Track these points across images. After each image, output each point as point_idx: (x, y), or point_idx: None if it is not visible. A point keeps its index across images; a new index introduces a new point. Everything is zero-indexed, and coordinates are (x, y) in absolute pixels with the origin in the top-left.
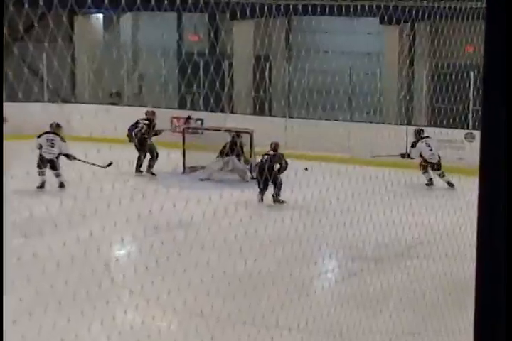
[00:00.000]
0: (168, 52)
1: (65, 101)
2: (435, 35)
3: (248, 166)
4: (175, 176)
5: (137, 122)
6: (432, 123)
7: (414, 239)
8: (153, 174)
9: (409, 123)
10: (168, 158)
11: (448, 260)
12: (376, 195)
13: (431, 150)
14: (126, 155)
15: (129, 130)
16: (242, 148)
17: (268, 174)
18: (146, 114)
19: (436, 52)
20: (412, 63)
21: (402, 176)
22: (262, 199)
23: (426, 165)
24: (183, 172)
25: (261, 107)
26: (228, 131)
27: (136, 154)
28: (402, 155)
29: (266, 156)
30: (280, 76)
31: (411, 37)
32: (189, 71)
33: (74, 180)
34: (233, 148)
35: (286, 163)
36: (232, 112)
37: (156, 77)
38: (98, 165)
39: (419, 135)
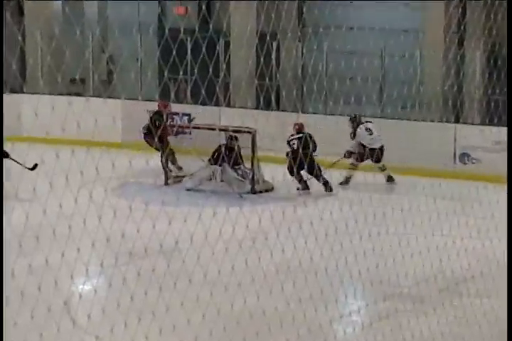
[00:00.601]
0: (147, 28)
1: (13, 90)
2: (491, 8)
3: (248, 178)
4: (155, 188)
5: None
6: (488, 120)
7: (464, 271)
8: (180, 168)
9: (457, 121)
10: (147, 166)
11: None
12: (413, 212)
13: (371, 134)
14: (92, 161)
15: (145, 134)
16: (239, 154)
17: (304, 159)
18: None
19: (492, 28)
20: (461, 43)
21: (447, 188)
22: (308, 187)
23: (362, 159)
24: (166, 183)
25: (266, 99)
26: (224, 130)
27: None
28: (348, 154)
29: (293, 141)
30: (291, 59)
31: (460, 10)
32: (174, 53)
33: (25, 191)
34: (228, 154)
35: (315, 145)
36: (228, 106)
37: (130, 61)
38: (26, 168)
39: (356, 122)
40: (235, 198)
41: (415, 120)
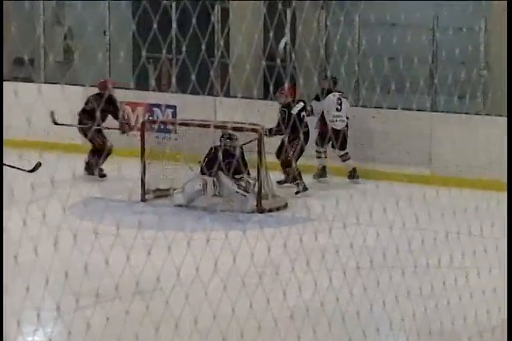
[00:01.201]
0: None
1: None
2: None
3: (253, 191)
4: (130, 206)
5: (87, 101)
6: None
7: None
8: (103, 175)
9: None
10: (119, 175)
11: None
12: (476, 238)
13: (339, 110)
14: (46, 169)
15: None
16: (241, 160)
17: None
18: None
19: None
20: None
21: None
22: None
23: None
24: (143, 199)
25: (277, 86)
26: (221, 127)
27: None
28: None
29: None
30: (311, 33)
31: None
32: (155, 25)
33: None
34: (225, 159)
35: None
36: (227, 95)
37: (96, 35)
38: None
39: (332, 84)
40: (236, 219)
41: (477, 114)
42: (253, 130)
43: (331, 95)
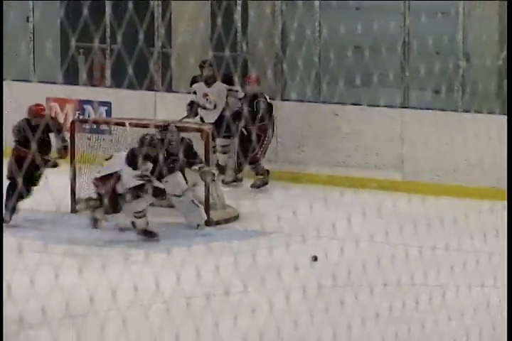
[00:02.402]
0: None
1: None
2: None
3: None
4: (59, 219)
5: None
6: None
7: None
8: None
9: None
10: (46, 184)
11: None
12: (453, 252)
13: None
14: None
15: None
16: (194, 153)
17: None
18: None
19: None
20: None
21: (502, 214)
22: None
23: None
24: (73, 210)
25: (226, 80)
26: (162, 127)
27: None
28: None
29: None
30: (264, 20)
31: None
32: (85, 10)
33: None
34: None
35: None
36: (169, 90)
37: (18, 23)
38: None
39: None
40: (181, 232)
41: (454, 110)
42: (199, 130)
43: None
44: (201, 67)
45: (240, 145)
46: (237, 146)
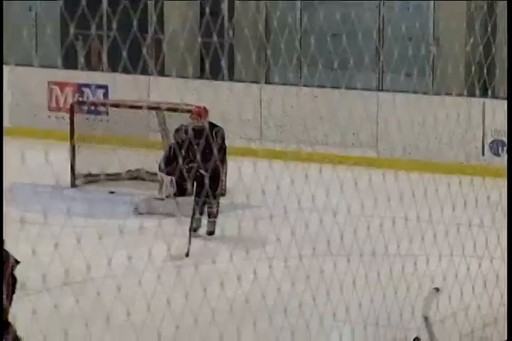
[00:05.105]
0: None
1: None
2: None
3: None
4: (59, 192)
5: None
6: None
7: (495, 307)
8: None
9: (485, 94)
10: (47, 161)
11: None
12: (425, 223)
13: None
14: None
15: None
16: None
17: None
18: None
19: None
20: None
21: (471, 189)
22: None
23: None
24: (73, 184)
25: (214, 65)
26: (155, 108)
27: None
28: None
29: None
30: (249, 7)
31: None
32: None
33: None
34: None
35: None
36: (162, 74)
37: (20, 11)
38: None
39: None
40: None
41: (425, 93)
42: (189, 111)
43: None
44: None
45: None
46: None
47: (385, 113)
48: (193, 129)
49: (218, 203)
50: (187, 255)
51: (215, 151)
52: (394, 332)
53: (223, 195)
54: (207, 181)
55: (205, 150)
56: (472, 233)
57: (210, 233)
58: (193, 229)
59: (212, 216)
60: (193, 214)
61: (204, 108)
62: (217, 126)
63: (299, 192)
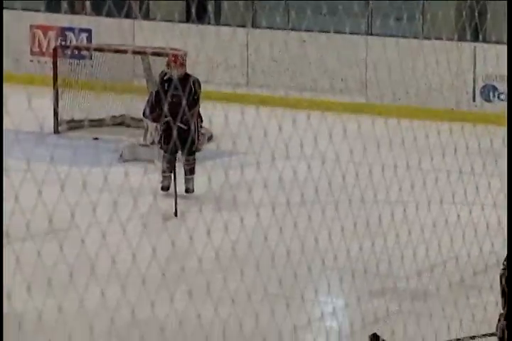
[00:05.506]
0: None
1: None
2: None
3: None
4: (42, 138)
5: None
6: None
7: (486, 255)
8: None
9: (476, 38)
10: (29, 106)
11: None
12: (413, 170)
13: None
14: None
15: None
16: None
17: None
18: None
19: None
20: None
21: (462, 136)
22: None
23: None
24: (56, 131)
25: (200, 9)
26: (140, 53)
27: None
28: None
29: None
30: None
31: None
32: None
33: None
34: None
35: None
36: (146, 18)
37: None
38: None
39: None
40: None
41: (415, 37)
42: (174, 56)
43: None
44: None
45: None
46: None
47: (374, 58)
48: (162, 78)
49: (195, 159)
50: (175, 214)
51: (185, 103)
52: (383, 279)
53: (199, 149)
54: (185, 136)
55: (174, 102)
56: (463, 180)
57: (188, 190)
58: (165, 188)
59: (190, 173)
60: (163, 171)
61: (181, 55)
62: (191, 75)
63: (287, 139)
